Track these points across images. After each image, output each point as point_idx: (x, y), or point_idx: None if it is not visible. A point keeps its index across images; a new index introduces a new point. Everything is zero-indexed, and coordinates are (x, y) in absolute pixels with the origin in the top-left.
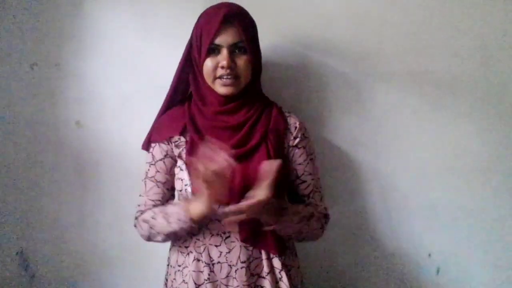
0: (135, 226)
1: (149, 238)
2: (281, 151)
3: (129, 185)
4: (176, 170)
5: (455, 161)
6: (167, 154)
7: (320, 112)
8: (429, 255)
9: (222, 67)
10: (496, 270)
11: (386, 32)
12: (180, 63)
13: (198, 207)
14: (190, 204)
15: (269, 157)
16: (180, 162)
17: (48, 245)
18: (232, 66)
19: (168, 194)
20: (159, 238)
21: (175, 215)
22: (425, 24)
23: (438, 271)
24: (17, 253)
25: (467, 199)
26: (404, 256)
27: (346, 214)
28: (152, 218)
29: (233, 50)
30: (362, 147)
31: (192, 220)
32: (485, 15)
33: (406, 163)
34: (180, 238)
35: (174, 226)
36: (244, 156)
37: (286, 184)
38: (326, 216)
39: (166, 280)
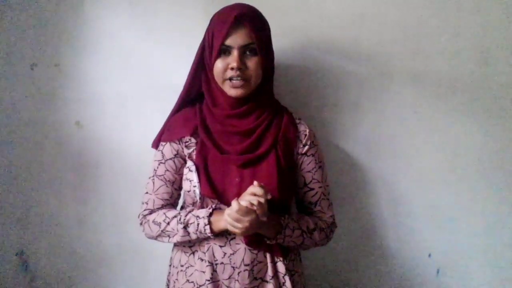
0: (141, 224)
1: (155, 238)
2: (290, 159)
3: (129, 185)
4: (185, 170)
5: (456, 161)
6: (177, 154)
7: (320, 112)
8: (429, 255)
9: (232, 69)
10: (496, 270)
11: (386, 32)
12: (193, 64)
13: (224, 223)
14: (214, 216)
15: (278, 164)
16: (189, 163)
17: (48, 245)
18: (242, 67)
19: (176, 193)
20: (167, 240)
21: (194, 226)
22: (425, 24)
23: (438, 271)
24: (17, 253)
25: (468, 199)
26: (404, 256)
27: (347, 214)
28: (165, 222)
29: (244, 51)
30: (362, 147)
31: (212, 233)
32: (485, 15)
33: (406, 163)
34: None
35: (193, 236)
36: (253, 162)
37: (293, 192)
38: (332, 225)
39: (168, 281)
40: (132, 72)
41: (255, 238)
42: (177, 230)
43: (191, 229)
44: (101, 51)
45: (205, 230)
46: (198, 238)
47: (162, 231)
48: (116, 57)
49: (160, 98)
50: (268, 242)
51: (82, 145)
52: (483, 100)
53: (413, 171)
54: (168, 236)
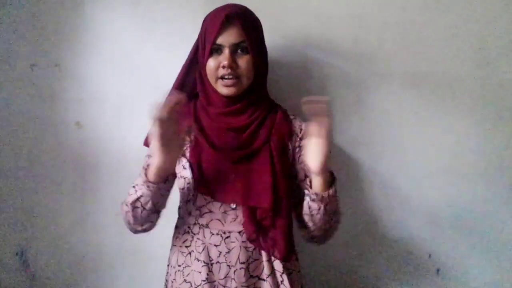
0: (122, 213)
1: (128, 223)
2: (284, 154)
3: (129, 185)
4: (179, 168)
5: (455, 161)
6: None
7: None
8: (429, 255)
9: (223, 67)
10: (496, 270)
11: (386, 32)
12: (185, 62)
13: (153, 161)
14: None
15: (271, 159)
16: (183, 161)
17: (48, 245)
18: (233, 66)
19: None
20: (130, 217)
21: (140, 180)
22: (425, 24)
23: (438, 271)
24: (17, 253)
25: (467, 199)
26: (404, 256)
27: (346, 214)
28: (128, 194)
29: (235, 50)
30: (362, 147)
31: (150, 177)
32: (485, 15)
33: (406, 164)
34: (143, 220)
35: (139, 192)
36: (247, 157)
37: (292, 187)
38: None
39: (166, 280)
40: (132, 72)
41: (257, 235)
42: (131, 194)
43: (138, 187)
44: (101, 51)
45: (144, 177)
46: (144, 193)
47: (122, 204)
48: (116, 57)
49: (160, 98)
50: (321, 192)
51: (82, 145)
52: (483, 100)
53: (413, 171)
54: (126, 205)
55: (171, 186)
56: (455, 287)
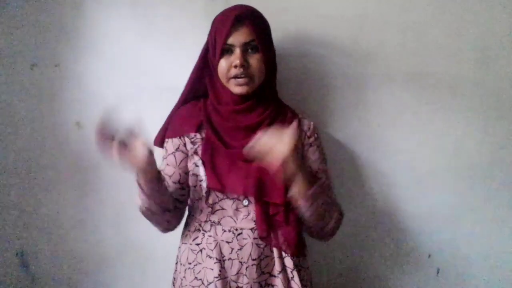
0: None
1: (155, 226)
2: (295, 151)
3: (129, 185)
4: (191, 166)
5: (455, 161)
6: (178, 148)
7: (320, 113)
8: (429, 255)
9: (235, 66)
10: (495, 271)
11: (386, 33)
12: (196, 64)
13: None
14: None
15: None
16: (196, 158)
17: (48, 245)
18: (245, 65)
19: (174, 186)
20: (150, 222)
21: (138, 190)
22: (425, 25)
23: (438, 272)
24: (17, 253)
25: (467, 199)
26: (404, 256)
27: (346, 214)
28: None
29: (246, 49)
30: (362, 147)
31: (141, 184)
32: (485, 15)
33: (406, 164)
34: (156, 216)
35: (142, 200)
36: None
37: None
38: (341, 213)
39: (174, 278)
40: (132, 72)
41: (269, 233)
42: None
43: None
44: (101, 51)
45: (137, 188)
46: (144, 200)
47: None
48: (116, 57)
49: (160, 98)
50: (299, 197)
51: (82, 145)
52: (483, 101)
53: (412, 171)
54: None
55: (170, 185)
56: (455, 287)
